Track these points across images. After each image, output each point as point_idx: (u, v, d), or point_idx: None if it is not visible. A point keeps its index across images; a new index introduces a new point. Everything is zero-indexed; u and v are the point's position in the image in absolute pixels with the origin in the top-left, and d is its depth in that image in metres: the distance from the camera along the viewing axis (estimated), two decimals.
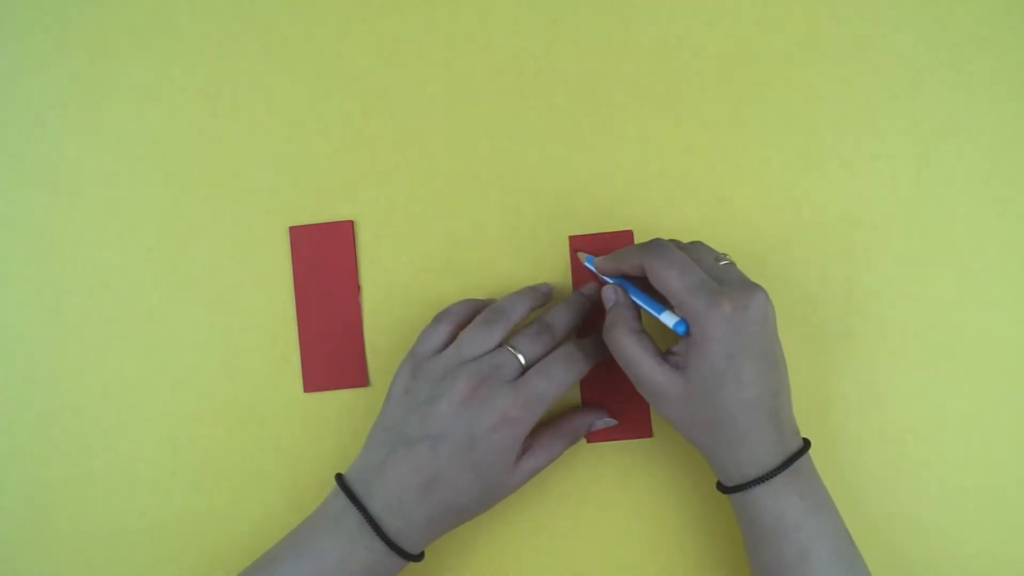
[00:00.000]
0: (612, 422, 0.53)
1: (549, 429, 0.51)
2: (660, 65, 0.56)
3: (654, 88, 0.56)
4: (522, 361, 0.48)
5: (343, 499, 0.47)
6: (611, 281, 0.51)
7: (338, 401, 0.55)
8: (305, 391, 0.55)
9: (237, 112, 0.56)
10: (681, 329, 0.46)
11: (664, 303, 0.48)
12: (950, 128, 0.55)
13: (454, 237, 0.56)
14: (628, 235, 0.55)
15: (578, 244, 0.55)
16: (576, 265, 0.55)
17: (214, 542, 0.55)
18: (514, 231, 0.56)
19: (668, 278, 0.46)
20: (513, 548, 0.54)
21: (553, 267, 0.55)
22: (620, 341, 0.48)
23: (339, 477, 0.48)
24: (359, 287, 0.56)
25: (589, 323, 0.53)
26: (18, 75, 0.56)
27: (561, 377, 0.48)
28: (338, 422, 0.55)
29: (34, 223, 0.56)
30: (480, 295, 0.55)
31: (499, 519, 0.54)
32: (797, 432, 0.47)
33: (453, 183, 0.56)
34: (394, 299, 0.56)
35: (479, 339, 0.49)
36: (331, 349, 0.55)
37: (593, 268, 0.52)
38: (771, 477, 0.45)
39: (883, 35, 0.56)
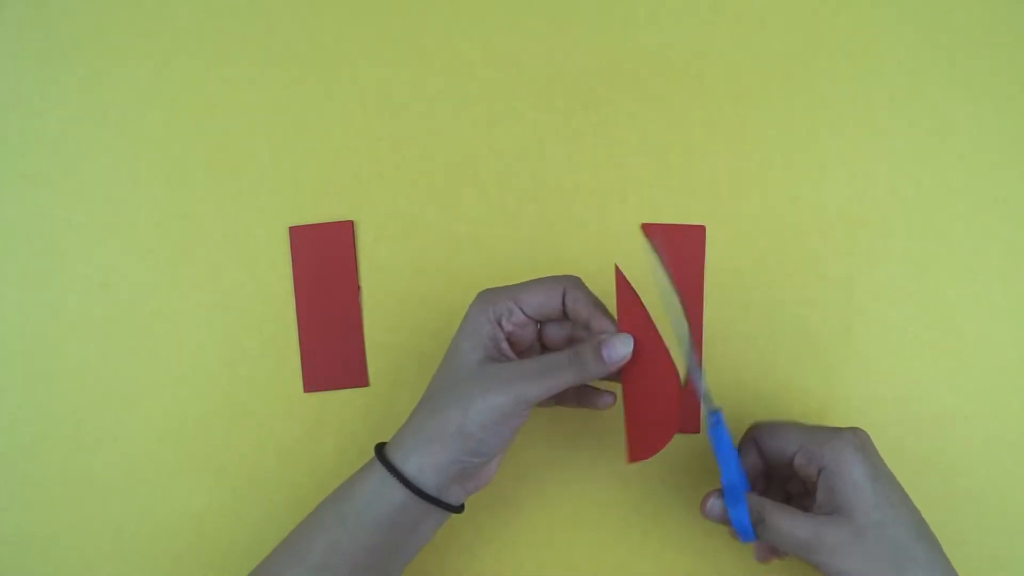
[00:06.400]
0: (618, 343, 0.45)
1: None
2: (660, 65, 0.56)
3: (654, 88, 0.56)
4: None
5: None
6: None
7: (338, 401, 0.55)
8: (305, 391, 0.55)
9: (237, 112, 0.56)
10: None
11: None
12: (950, 128, 0.55)
13: (454, 237, 0.56)
14: (700, 230, 0.54)
15: (651, 232, 0.50)
16: (622, 284, 0.46)
17: (214, 542, 0.55)
18: (514, 231, 0.56)
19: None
20: (513, 548, 0.54)
21: (553, 267, 0.55)
22: (778, 521, 0.45)
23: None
24: (359, 287, 0.56)
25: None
26: (18, 75, 0.56)
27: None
28: (338, 422, 0.55)
29: (34, 223, 0.56)
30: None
31: (499, 518, 0.54)
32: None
33: (453, 183, 0.56)
34: (394, 299, 0.56)
35: None
36: (331, 349, 0.55)
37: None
38: None
39: (883, 35, 0.56)
